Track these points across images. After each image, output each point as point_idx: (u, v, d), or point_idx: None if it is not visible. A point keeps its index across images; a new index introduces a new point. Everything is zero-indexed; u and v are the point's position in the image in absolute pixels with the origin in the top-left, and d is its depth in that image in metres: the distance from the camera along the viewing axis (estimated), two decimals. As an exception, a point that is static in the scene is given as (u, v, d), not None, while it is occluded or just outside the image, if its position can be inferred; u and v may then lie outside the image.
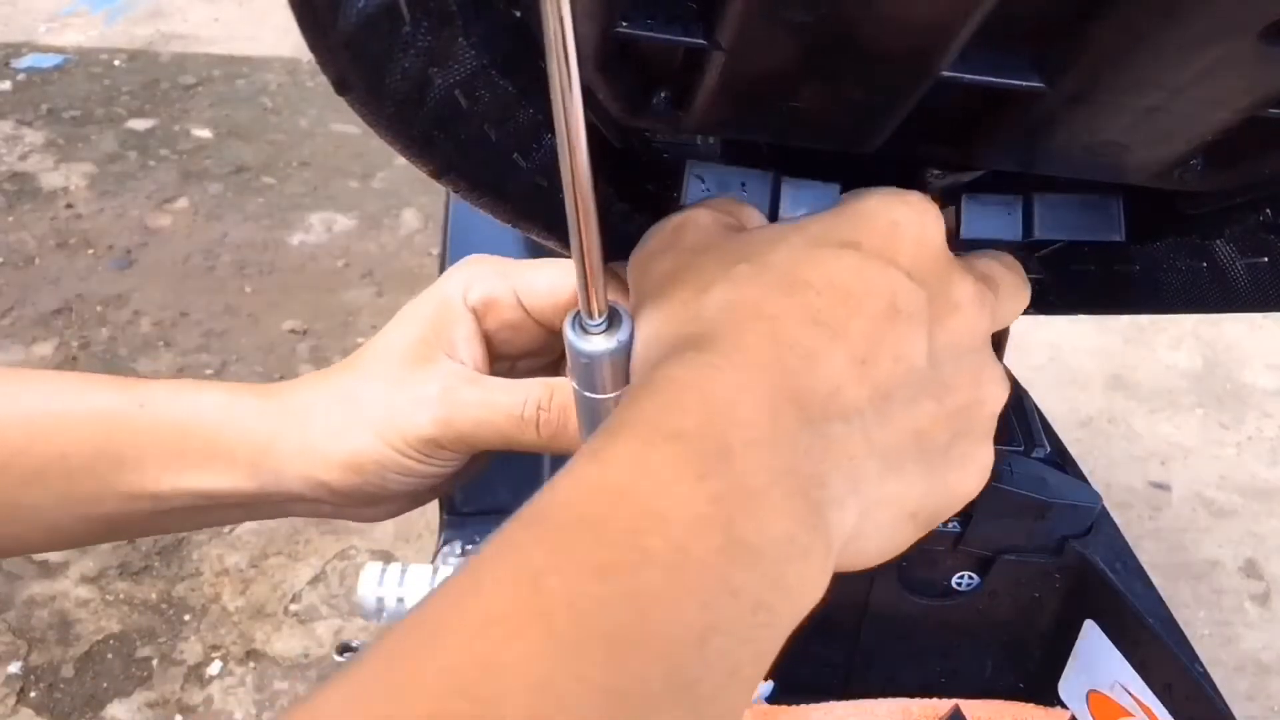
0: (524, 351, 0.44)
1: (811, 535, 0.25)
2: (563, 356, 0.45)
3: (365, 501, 0.42)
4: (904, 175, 0.38)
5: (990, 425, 0.32)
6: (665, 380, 0.26)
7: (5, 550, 0.43)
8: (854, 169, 0.37)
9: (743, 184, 0.34)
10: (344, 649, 0.90)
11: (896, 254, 0.29)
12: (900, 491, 0.29)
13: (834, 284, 0.28)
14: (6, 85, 2.78)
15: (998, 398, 0.32)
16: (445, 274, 0.43)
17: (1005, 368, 0.47)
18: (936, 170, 0.42)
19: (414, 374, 0.40)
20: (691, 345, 0.27)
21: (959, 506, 0.32)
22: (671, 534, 0.22)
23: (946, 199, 0.35)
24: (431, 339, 0.41)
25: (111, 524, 0.42)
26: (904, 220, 0.30)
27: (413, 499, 0.44)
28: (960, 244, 0.35)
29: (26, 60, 2.91)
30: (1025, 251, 0.45)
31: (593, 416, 0.30)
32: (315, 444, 0.40)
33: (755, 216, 0.34)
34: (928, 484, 0.30)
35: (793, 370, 0.26)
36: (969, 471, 0.31)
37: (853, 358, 0.27)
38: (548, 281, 0.41)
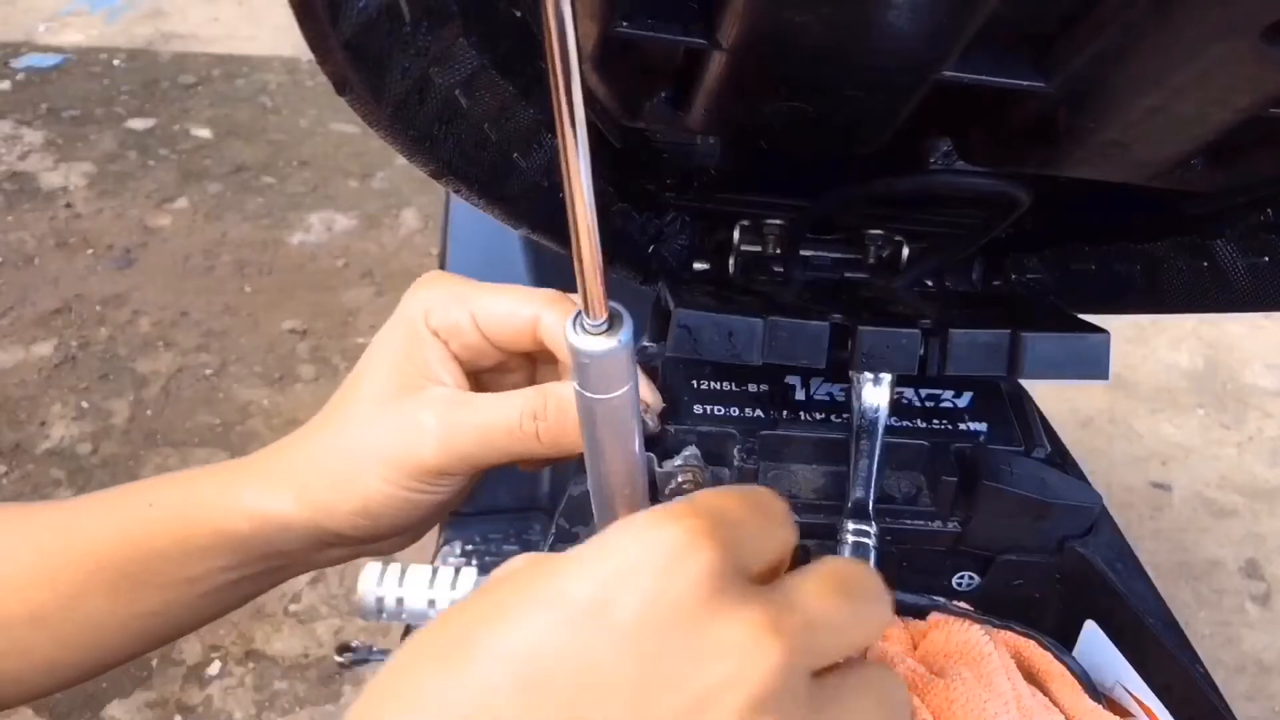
0: (488, 369, 0.44)
1: None
2: (532, 369, 0.45)
3: (378, 538, 0.44)
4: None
5: None
6: None
7: (70, 677, 0.45)
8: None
9: (730, 333, 0.34)
10: (343, 649, 0.90)
11: (610, 614, 0.23)
12: None
13: (528, 655, 0.23)
14: (6, 85, 2.78)
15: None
16: (403, 299, 0.43)
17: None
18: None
19: (403, 407, 0.41)
20: None
21: None
22: None
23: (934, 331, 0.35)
24: (408, 368, 0.41)
25: (163, 619, 0.44)
26: (641, 566, 0.24)
27: (426, 524, 0.45)
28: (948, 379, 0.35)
29: (26, 60, 2.91)
30: (1028, 252, 0.45)
31: (593, 417, 0.30)
32: (321, 501, 0.41)
33: None
34: None
35: None
36: None
37: None
38: (505, 309, 0.41)
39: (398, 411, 0.41)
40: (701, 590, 0.24)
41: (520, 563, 0.27)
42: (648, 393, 0.40)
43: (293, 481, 0.42)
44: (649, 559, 0.24)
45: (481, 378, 0.44)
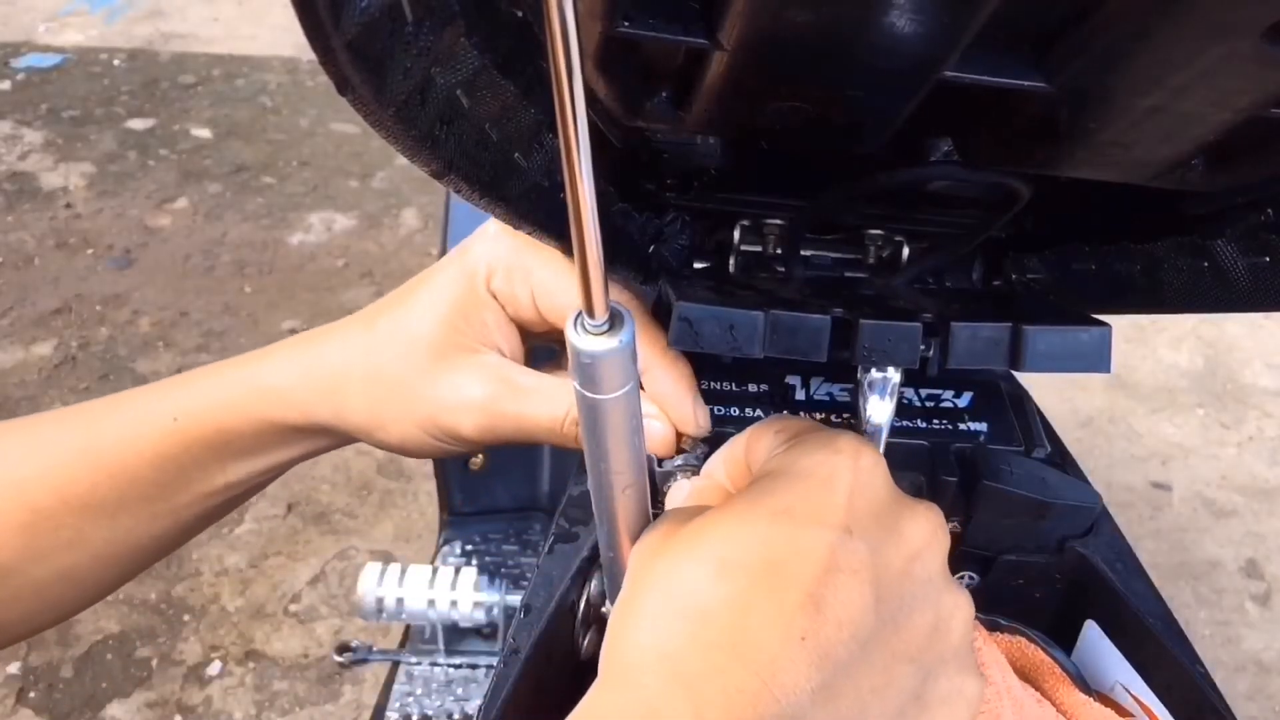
0: (534, 333, 0.44)
1: None
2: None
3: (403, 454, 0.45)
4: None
5: (964, 649, 0.31)
6: (588, 712, 0.26)
7: (113, 586, 0.46)
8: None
9: (731, 326, 0.34)
10: (343, 649, 0.90)
11: (832, 512, 0.29)
12: None
13: (766, 560, 0.27)
14: (6, 85, 2.78)
15: (962, 618, 0.31)
16: (466, 247, 0.42)
17: (1012, 379, 0.47)
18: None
19: (454, 370, 0.41)
20: (623, 664, 0.27)
21: None
22: None
23: (936, 328, 0.35)
24: (464, 325, 0.41)
25: (201, 518, 0.46)
26: (838, 473, 0.30)
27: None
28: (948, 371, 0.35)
29: (26, 60, 2.91)
30: (1029, 252, 0.45)
31: (593, 416, 0.30)
32: (359, 425, 0.43)
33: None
34: None
35: (719, 668, 0.25)
36: (955, 709, 0.29)
37: (789, 636, 0.26)
38: (567, 298, 0.41)
39: (447, 374, 0.41)
40: (887, 485, 0.31)
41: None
42: (689, 424, 0.40)
43: (331, 398, 0.42)
44: (844, 468, 0.30)
45: (528, 333, 0.44)
